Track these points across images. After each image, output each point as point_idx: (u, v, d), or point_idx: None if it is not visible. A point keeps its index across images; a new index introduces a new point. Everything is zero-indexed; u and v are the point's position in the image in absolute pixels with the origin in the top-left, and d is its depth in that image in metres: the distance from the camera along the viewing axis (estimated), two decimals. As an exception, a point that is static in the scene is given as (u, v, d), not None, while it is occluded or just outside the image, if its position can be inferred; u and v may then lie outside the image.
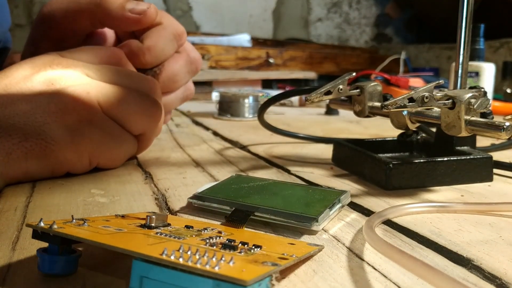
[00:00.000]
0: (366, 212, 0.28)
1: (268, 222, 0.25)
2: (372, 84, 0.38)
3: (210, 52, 1.37)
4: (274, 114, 0.82)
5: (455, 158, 0.34)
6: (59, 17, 0.40)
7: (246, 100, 0.75)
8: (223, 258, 0.16)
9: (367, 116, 0.39)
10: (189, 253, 0.16)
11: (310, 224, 0.24)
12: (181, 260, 0.15)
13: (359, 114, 0.39)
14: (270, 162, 0.43)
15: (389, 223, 0.26)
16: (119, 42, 0.43)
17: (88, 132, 0.34)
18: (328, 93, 0.36)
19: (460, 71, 0.37)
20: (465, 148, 0.38)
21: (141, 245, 0.18)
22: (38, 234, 0.18)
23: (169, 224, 0.22)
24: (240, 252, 0.18)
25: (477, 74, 0.85)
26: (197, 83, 1.19)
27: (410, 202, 0.30)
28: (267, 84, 1.46)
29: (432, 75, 1.25)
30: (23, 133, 0.31)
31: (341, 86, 0.37)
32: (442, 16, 1.47)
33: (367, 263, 0.21)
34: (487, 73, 0.85)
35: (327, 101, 0.47)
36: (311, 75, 1.54)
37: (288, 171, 0.39)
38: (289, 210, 0.25)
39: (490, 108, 0.31)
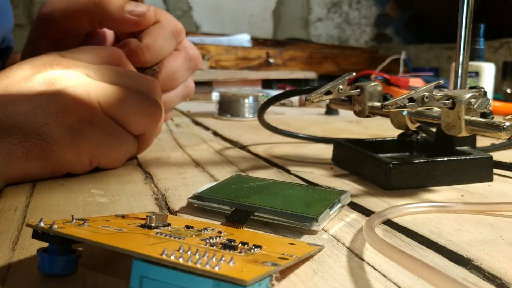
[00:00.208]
0: (366, 212, 0.28)
1: (268, 222, 0.25)
2: (372, 84, 0.38)
3: (210, 52, 1.37)
4: (274, 114, 0.82)
5: (455, 158, 0.34)
6: (58, 17, 0.40)
7: (246, 100, 0.75)
8: (223, 258, 0.16)
9: (367, 116, 0.39)
10: (189, 253, 0.16)
11: (310, 224, 0.24)
12: (181, 260, 0.15)
13: (359, 114, 0.39)
14: (270, 162, 0.43)
15: (389, 223, 0.26)
16: (118, 41, 0.43)
17: (88, 132, 0.34)
18: (328, 93, 0.36)
19: (460, 71, 0.37)
20: (465, 148, 0.38)
21: (141, 245, 0.18)
22: (38, 234, 0.18)
23: (169, 224, 0.22)
24: (240, 252, 0.18)
25: (477, 74, 0.85)
26: (197, 83, 1.19)
27: (410, 202, 0.30)
28: (267, 84, 1.46)
29: (432, 75, 1.25)
30: (24, 134, 0.31)
31: (341, 86, 0.37)
32: (442, 16, 1.47)
33: (367, 263, 0.21)
34: (487, 73, 0.85)
35: (327, 101, 0.47)
36: (311, 75, 1.54)
37: (288, 171, 0.39)
38: (289, 210, 0.25)
39: (490, 108, 0.31)
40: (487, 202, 0.30)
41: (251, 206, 0.26)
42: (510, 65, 1.05)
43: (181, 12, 1.72)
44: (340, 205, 0.27)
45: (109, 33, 0.45)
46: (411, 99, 0.30)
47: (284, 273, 0.19)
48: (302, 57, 1.60)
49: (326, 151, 0.47)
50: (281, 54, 1.54)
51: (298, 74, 1.53)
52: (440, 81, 0.33)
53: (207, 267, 0.15)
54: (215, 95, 1.01)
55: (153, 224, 0.21)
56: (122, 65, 0.38)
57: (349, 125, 0.70)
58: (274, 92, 1.01)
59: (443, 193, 0.32)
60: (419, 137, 0.40)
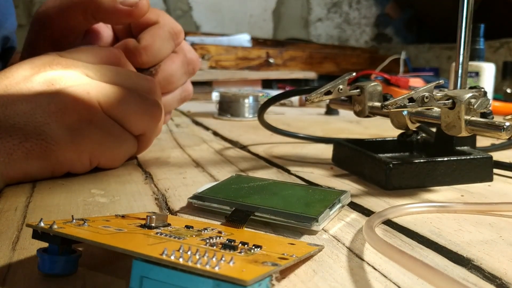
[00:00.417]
0: (366, 212, 0.28)
1: (268, 222, 0.25)
2: (372, 84, 0.38)
3: (210, 52, 1.37)
4: (274, 114, 0.82)
5: (455, 158, 0.34)
6: (54, 15, 0.40)
7: (246, 100, 0.75)
8: (223, 258, 0.16)
9: (367, 116, 0.39)
10: (189, 253, 0.16)
11: (310, 224, 0.24)
12: (181, 260, 0.15)
13: (359, 114, 0.39)
14: (270, 162, 0.43)
15: (389, 223, 0.26)
16: (117, 41, 0.43)
17: (89, 132, 0.34)
18: (328, 93, 0.36)
19: (460, 71, 0.37)
20: (465, 148, 0.38)
21: (141, 245, 0.18)
22: (38, 234, 0.18)
23: (169, 224, 0.22)
24: (240, 252, 0.18)
25: (477, 74, 0.85)
26: (197, 83, 1.19)
27: (410, 202, 0.30)
28: (267, 84, 1.46)
29: (432, 75, 1.25)
30: (24, 134, 0.31)
31: (341, 86, 0.37)
32: (442, 16, 1.47)
33: (367, 263, 0.21)
34: (487, 73, 0.85)
35: (327, 101, 0.47)
36: (311, 75, 1.54)
37: (288, 171, 0.39)
38: (289, 210, 0.25)
39: (490, 108, 0.31)
40: (487, 202, 0.30)
41: (251, 206, 0.26)
42: (510, 65, 1.05)
43: (181, 12, 1.72)
44: (340, 205, 0.27)
45: (108, 33, 0.44)
46: (411, 99, 0.30)
47: (284, 273, 0.19)
48: (302, 57, 1.60)
49: (326, 151, 0.47)
50: (281, 54, 1.54)
51: (298, 74, 1.53)
52: (440, 81, 0.33)
53: (207, 267, 0.15)
54: (215, 95, 1.01)
55: (153, 224, 0.21)
56: (121, 65, 0.38)
57: (349, 125, 0.70)
58: (274, 92, 1.01)
59: (443, 193, 0.32)
60: (419, 137, 0.40)
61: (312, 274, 0.19)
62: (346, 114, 0.82)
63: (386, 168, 0.33)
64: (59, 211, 0.27)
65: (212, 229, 0.22)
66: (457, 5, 0.36)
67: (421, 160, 0.34)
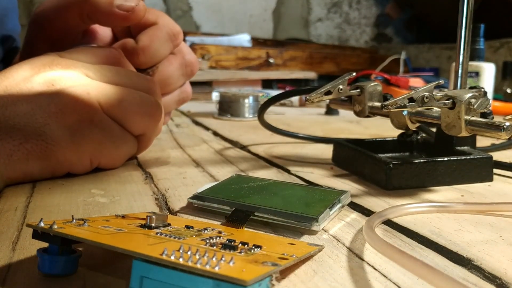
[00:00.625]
0: (366, 212, 0.28)
1: (268, 222, 0.25)
2: (372, 84, 0.38)
3: (210, 52, 1.37)
4: (274, 114, 0.82)
5: (455, 158, 0.34)
6: (51, 15, 0.40)
7: (246, 100, 0.75)
8: (223, 258, 0.16)
9: (367, 116, 0.39)
10: (189, 253, 0.16)
11: (310, 224, 0.24)
12: (181, 260, 0.15)
13: (359, 114, 0.39)
14: (270, 162, 0.43)
15: (389, 223, 0.26)
16: (116, 41, 0.43)
17: (89, 132, 0.34)
18: (328, 93, 0.36)
19: (460, 71, 0.37)
20: (465, 148, 0.38)
21: (141, 245, 0.18)
22: (38, 234, 0.18)
23: (169, 224, 0.22)
24: (240, 252, 0.18)
25: (477, 74, 0.85)
26: (197, 83, 1.19)
27: (410, 202, 0.30)
28: (267, 84, 1.46)
29: (432, 75, 1.25)
30: (24, 135, 0.31)
31: (341, 86, 0.37)
32: (442, 16, 1.47)
33: (367, 263, 0.21)
34: (487, 73, 0.85)
35: (327, 101, 0.47)
36: (311, 75, 1.54)
37: (288, 171, 0.39)
38: (289, 210, 0.25)
39: (490, 108, 0.31)
40: (487, 202, 0.30)
41: (251, 206, 0.26)
42: (510, 65, 1.05)
43: (181, 12, 1.72)
44: (340, 205, 0.27)
45: (107, 33, 0.44)
46: (411, 99, 0.30)
47: (284, 273, 0.19)
48: (302, 57, 1.60)
49: (326, 151, 0.47)
50: (281, 54, 1.54)
51: (298, 74, 1.53)
52: (440, 81, 0.33)
53: (207, 267, 0.15)
54: (215, 95, 1.01)
55: (153, 224, 0.21)
56: (121, 65, 0.38)
57: (349, 125, 0.70)
58: (274, 92, 1.01)
59: (443, 193, 0.32)
60: (419, 137, 0.40)
61: (312, 274, 0.19)
62: (346, 114, 0.82)
63: (386, 168, 0.33)
64: (59, 211, 0.27)
65: (212, 229, 0.22)
66: (457, 5, 0.36)
67: (421, 160, 0.34)
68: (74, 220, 0.20)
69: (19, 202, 0.29)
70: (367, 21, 2.05)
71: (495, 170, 0.37)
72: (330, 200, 0.27)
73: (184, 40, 0.45)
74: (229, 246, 0.19)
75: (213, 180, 0.35)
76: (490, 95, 0.84)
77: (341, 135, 0.59)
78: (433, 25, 1.84)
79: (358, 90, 0.39)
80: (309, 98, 0.35)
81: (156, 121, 0.38)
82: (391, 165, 0.33)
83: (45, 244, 0.18)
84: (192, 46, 1.33)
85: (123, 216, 0.23)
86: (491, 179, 0.36)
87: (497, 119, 0.30)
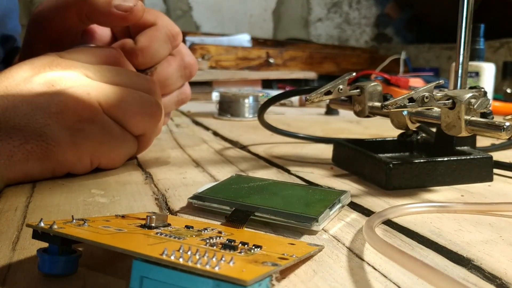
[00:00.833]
0: (366, 212, 0.28)
1: (268, 222, 0.25)
2: (372, 84, 0.38)
3: (210, 52, 1.37)
4: (274, 114, 0.82)
5: (455, 158, 0.34)
6: (49, 15, 0.40)
7: (246, 100, 0.75)
8: (223, 258, 0.16)
9: (367, 116, 0.39)
10: (189, 253, 0.16)
11: (310, 224, 0.24)
12: (181, 260, 0.15)
13: (359, 114, 0.39)
14: (270, 162, 0.43)
15: (389, 223, 0.26)
16: (115, 41, 0.43)
17: (89, 133, 0.34)
18: (328, 93, 0.36)
19: (460, 71, 0.37)
20: (465, 148, 0.38)
21: (141, 245, 0.18)
22: (38, 234, 0.18)
23: (169, 224, 0.22)
24: (240, 252, 0.18)
25: (477, 74, 0.85)
26: (197, 83, 1.19)
27: (410, 202, 0.30)
28: (267, 84, 1.46)
29: (432, 75, 1.25)
30: (24, 135, 0.31)
31: (341, 86, 0.37)
32: (442, 16, 1.47)
33: (367, 263, 0.21)
34: (487, 73, 0.85)
35: (327, 101, 0.47)
36: (311, 75, 1.54)
37: (288, 171, 0.39)
38: (289, 210, 0.25)
39: (490, 108, 0.31)
40: (487, 202, 0.30)
41: (251, 206, 0.26)
42: (510, 65, 1.05)
43: (181, 12, 1.72)
44: (340, 205, 0.27)
45: (106, 33, 0.44)
46: (411, 99, 0.30)
47: (284, 273, 0.19)
48: (302, 57, 1.60)
49: (326, 151, 0.47)
50: (281, 54, 1.54)
51: (298, 74, 1.53)
52: (440, 81, 0.33)
53: (207, 267, 0.15)
54: (215, 95, 1.01)
55: (153, 224, 0.21)
56: (121, 65, 0.38)
57: (349, 125, 0.70)
58: (274, 92, 1.01)
59: (443, 193, 0.32)
60: (419, 137, 0.40)
61: (312, 274, 0.19)
62: (346, 114, 0.82)
63: (386, 168, 0.33)
64: (59, 211, 0.27)
65: (212, 229, 0.22)
66: (457, 5, 0.36)
67: (421, 160, 0.34)
68: (74, 220, 0.20)
69: (19, 202, 0.29)
70: (367, 21, 2.05)
71: (495, 170, 0.37)
72: (330, 200, 0.27)
73: (184, 40, 0.45)
74: (229, 246, 0.19)
75: (213, 180, 0.35)
76: (490, 95, 0.84)
77: (341, 135, 0.59)
78: (433, 25, 1.84)
79: (358, 90, 0.39)
80: (309, 98, 0.35)
81: (156, 121, 0.38)
82: (391, 165, 0.33)
83: (45, 244, 0.18)
84: (192, 46, 1.33)
85: (123, 216, 0.23)
86: (491, 179, 0.36)
87: (497, 119, 0.30)
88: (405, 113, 0.35)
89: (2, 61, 0.52)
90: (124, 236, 0.19)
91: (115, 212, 0.26)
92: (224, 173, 0.37)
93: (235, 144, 0.52)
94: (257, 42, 1.65)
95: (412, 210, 0.27)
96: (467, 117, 0.30)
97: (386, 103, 0.30)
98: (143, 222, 0.22)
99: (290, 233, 0.24)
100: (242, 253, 0.18)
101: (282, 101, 0.85)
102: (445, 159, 0.34)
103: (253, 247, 0.19)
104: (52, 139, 0.32)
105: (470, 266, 0.21)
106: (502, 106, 0.83)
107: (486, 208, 0.28)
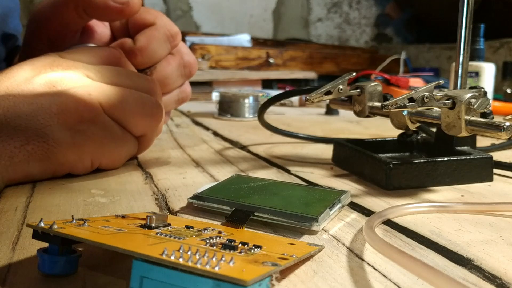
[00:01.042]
0: (366, 212, 0.28)
1: (268, 222, 0.25)
2: (372, 84, 0.38)
3: (210, 52, 1.37)
4: (274, 114, 0.82)
5: (455, 158, 0.34)
6: (48, 13, 0.40)
7: (246, 100, 0.75)
8: (223, 258, 0.16)
9: (367, 116, 0.39)
10: (189, 253, 0.16)
11: (310, 224, 0.24)
12: (181, 260, 0.15)
13: (359, 114, 0.39)
14: (270, 162, 0.43)
15: (389, 223, 0.26)
16: (115, 40, 0.43)
17: (90, 133, 0.34)
18: (328, 93, 0.36)
19: (460, 71, 0.37)
20: (465, 148, 0.38)
21: (141, 245, 0.18)
22: (38, 234, 0.18)
23: (169, 224, 0.22)
24: (240, 252, 0.18)
25: (477, 74, 0.85)
26: (197, 83, 1.19)
27: (410, 202, 0.30)
28: (267, 84, 1.46)
29: (432, 75, 1.25)
30: (25, 136, 0.31)
31: (341, 86, 0.37)
32: (442, 16, 1.46)
33: (367, 263, 0.21)
34: (487, 73, 0.85)
35: (327, 101, 0.47)
36: (311, 75, 1.54)
37: (288, 171, 0.39)
38: (289, 210, 0.25)
39: (490, 108, 0.31)
40: (487, 202, 0.30)
41: (251, 206, 0.26)
42: (510, 65, 1.05)
43: (181, 12, 1.72)
44: (340, 205, 0.27)
45: (105, 32, 0.44)
46: (411, 99, 0.30)
47: (284, 273, 0.19)
48: (302, 57, 1.60)
49: (326, 151, 0.47)
50: (281, 54, 1.54)
51: (298, 74, 1.53)
52: (440, 81, 0.33)
53: (207, 267, 0.15)
54: (215, 95, 1.01)
55: (153, 224, 0.21)
56: (121, 65, 0.38)
57: (349, 125, 0.70)
58: (274, 92, 1.01)
59: (443, 193, 0.32)
60: (419, 137, 0.40)
61: (312, 274, 0.19)
62: (346, 114, 0.82)
63: (386, 168, 0.33)
64: (59, 211, 0.27)
65: (212, 229, 0.22)
66: (457, 5, 0.36)
67: (421, 160, 0.34)
68: (74, 220, 0.20)
69: (19, 202, 0.29)
70: (367, 21, 2.05)
71: (495, 170, 0.37)
72: (330, 200, 0.27)
73: (184, 40, 0.45)
74: (229, 246, 0.19)
75: (213, 180, 0.35)
76: (490, 95, 0.84)
77: (341, 135, 0.59)
78: (433, 25, 1.84)
79: (358, 90, 0.39)
80: (309, 98, 0.35)
81: (156, 121, 0.38)
82: (391, 165, 0.33)
83: (45, 244, 0.18)
84: (192, 46, 1.33)
85: (123, 216, 0.23)
86: (491, 179, 0.36)
87: (497, 119, 0.30)
88: (405, 113, 0.35)
89: (3, 60, 0.53)
90: (124, 236, 0.19)
91: (115, 212, 0.26)
92: (224, 173, 0.37)
93: (235, 144, 0.52)
94: (257, 42, 1.65)
95: (412, 210, 0.27)
96: (467, 117, 0.30)
97: (386, 103, 0.30)
98: (143, 222, 0.22)
99: (290, 233, 0.24)
100: (242, 253, 0.18)
101: (282, 101, 0.85)
102: (445, 159, 0.34)
103: (253, 247, 0.19)
104: (53, 140, 0.32)
105: (470, 266, 0.21)
106: (502, 106, 0.83)
107: (486, 208, 0.28)
